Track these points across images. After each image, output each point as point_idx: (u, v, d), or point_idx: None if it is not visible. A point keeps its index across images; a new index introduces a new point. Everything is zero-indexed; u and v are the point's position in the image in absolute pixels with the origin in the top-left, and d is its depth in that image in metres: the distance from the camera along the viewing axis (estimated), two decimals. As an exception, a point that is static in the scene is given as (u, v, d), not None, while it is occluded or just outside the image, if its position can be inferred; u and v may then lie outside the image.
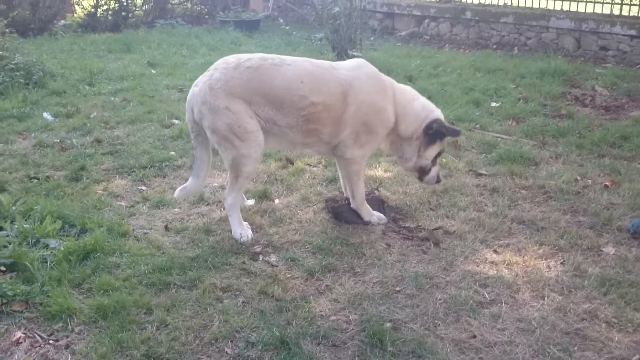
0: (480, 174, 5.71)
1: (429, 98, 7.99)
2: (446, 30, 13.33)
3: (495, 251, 4.34)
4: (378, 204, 4.92)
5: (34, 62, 9.28)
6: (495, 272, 4.07)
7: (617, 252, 4.31)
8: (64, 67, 10.05)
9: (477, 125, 7.18)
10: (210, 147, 4.66)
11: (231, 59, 4.47)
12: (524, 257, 4.25)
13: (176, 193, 4.77)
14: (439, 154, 4.82)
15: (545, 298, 3.79)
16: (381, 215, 4.81)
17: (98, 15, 15.39)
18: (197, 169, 4.69)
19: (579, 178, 5.54)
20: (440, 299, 3.77)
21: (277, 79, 4.38)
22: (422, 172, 4.83)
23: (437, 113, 4.73)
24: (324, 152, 4.78)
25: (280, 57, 4.53)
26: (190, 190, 4.76)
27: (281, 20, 13.57)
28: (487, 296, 3.81)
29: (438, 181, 4.93)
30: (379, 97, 4.55)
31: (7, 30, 9.88)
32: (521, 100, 8.14)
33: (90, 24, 14.95)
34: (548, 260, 4.21)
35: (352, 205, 4.82)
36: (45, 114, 7.49)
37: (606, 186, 5.35)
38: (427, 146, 4.70)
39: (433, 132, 4.64)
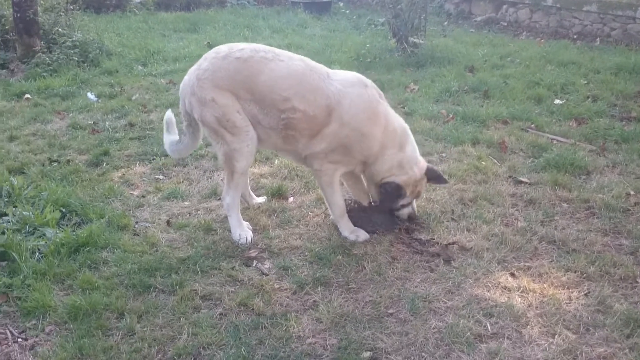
0: (520, 182, 5.19)
1: (487, 92, 7.69)
2: (525, 17, 12.51)
3: (512, 274, 3.88)
4: (390, 212, 4.52)
5: (91, 40, 9.36)
6: (506, 299, 3.63)
7: (655, 285, 3.76)
8: (123, 46, 10.11)
9: (533, 125, 6.59)
10: (198, 139, 4.51)
11: (223, 47, 4.18)
12: (543, 284, 3.77)
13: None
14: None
15: (556, 336, 3.32)
16: (361, 233, 4.33)
17: (174, -8, 15.49)
18: (184, 147, 4.56)
19: (632, 193, 4.93)
20: (434, 328, 3.38)
21: (264, 74, 4.03)
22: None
23: (401, 178, 4.27)
24: (299, 162, 4.47)
25: (276, 51, 4.16)
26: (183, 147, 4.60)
27: (341, 4, 13.10)
28: (489, 328, 3.38)
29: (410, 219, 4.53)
30: (368, 123, 4.11)
31: (71, 7, 9.98)
32: (589, 99, 7.42)
33: (165, 2, 15.05)
34: (570, 290, 3.71)
35: (331, 218, 4.49)
36: (89, 94, 7.51)
37: (661, 205, 4.74)
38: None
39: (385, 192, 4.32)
